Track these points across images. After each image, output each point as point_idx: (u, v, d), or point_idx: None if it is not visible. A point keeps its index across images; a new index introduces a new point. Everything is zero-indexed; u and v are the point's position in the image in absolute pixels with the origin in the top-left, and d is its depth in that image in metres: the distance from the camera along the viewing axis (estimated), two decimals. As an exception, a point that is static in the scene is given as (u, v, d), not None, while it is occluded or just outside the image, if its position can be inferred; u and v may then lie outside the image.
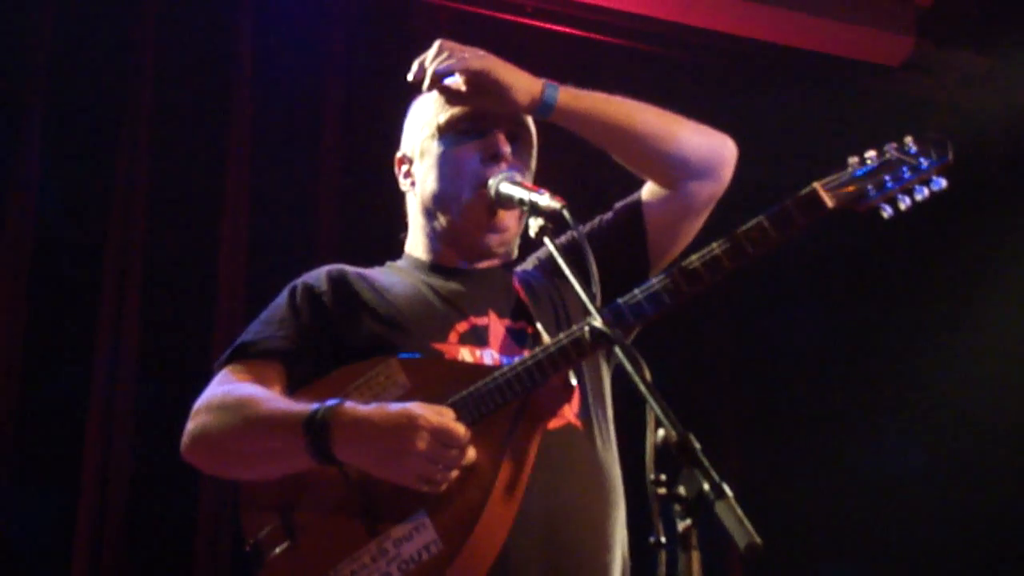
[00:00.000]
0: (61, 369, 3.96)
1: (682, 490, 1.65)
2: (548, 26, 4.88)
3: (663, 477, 1.68)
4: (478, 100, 2.44)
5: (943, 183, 2.29)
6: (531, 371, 2.19)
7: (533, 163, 2.55)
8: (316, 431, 2.14)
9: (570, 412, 2.34)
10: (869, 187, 2.27)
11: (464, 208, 2.44)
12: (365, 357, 2.30)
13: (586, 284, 2.05)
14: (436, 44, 2.46)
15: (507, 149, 2.45)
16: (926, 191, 2.28)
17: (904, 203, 2.27)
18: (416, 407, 2.13)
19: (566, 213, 2.16)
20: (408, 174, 2.57)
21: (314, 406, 2.17)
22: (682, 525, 1.63)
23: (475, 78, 2.41)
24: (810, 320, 5.14)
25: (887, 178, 2.28)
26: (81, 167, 4.12)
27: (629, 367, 1.88)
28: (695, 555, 1.63)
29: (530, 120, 2.55)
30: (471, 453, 2.14)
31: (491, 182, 2.38)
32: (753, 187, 5.01)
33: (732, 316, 5.19)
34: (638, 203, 2.54)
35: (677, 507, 1.65)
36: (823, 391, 5.08)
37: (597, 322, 2.02)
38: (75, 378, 3.93)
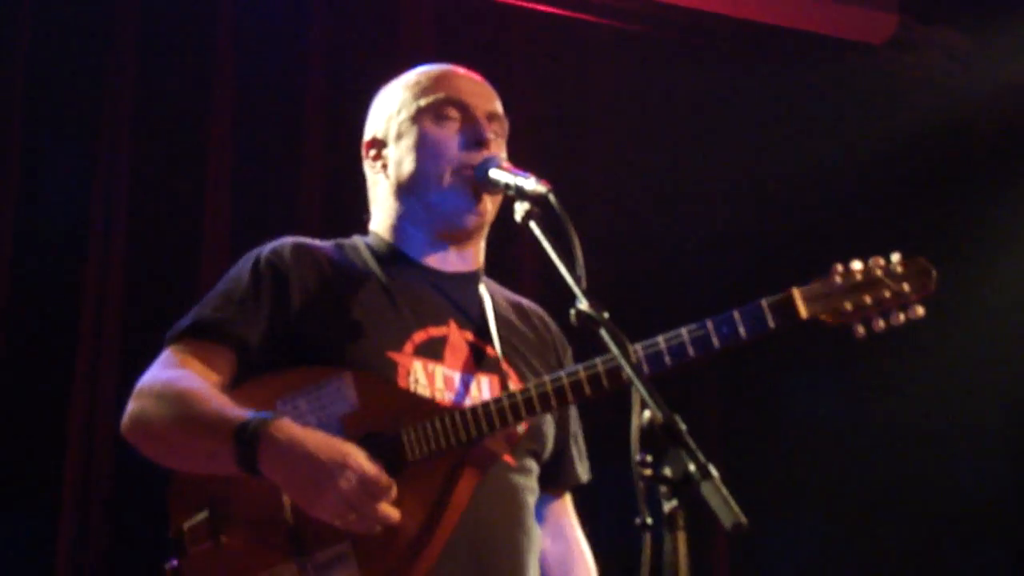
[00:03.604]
0: (39, 387, 3.90)
1: (668, 471, 1.66)
2: (534, 7, 4.87)
3: (649, 458, 1.69)
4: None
5: (920, 312, 2.25)
6: (489, 419, 2.19)
7: (505, 156, 2.51)
8: (245, 442, 2.11)
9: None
10: (847, 305, 2.22)
11: (446, 190, 2.42)
12: (316, 354, 2.28)
13: (571, 267, 2.05)
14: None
15: (490, 136, 2.44)
16: (902, 317, 2.24)
17: (877, 325, 2.24)
18: (353, 448, 2.11)
19: (551, 197, 2.15)
20: (379, 156, 2.54)
21: (248, 415, 2.14)
22: (668, 506, 1.65)
23: None
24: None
25: (867, 298, 2.23)
26: (61, 164, 4.07)
27: (615, 350, 1.90)
28: (681, 536, 1.64)
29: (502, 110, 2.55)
30: (394, 513, 2.11)
31: (477, 167, 2.37)
32: (737, 167, 5.07)
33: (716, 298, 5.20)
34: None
35: (663, 488, 1.66)
36: (807, 362, 5.08)
37: (583, 305, 2.01)
38: (54, 397, 3.88)
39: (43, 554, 3.78)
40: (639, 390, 1.77)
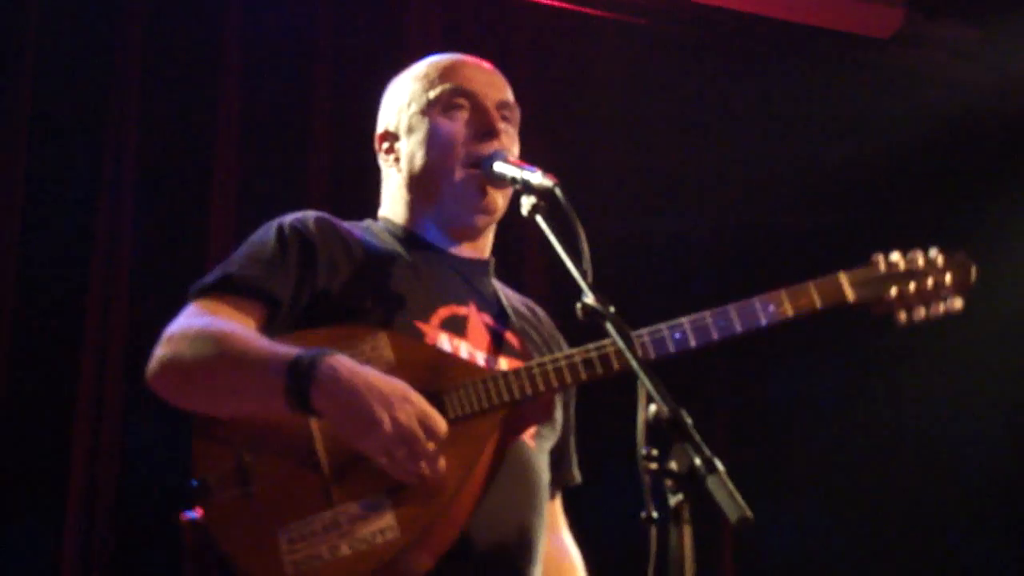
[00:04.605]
0: (45, 392, 3.89)
1: (673, 465, 1.66)
2: (540, 0, 4.87)
3: (654, 452, 1.69)
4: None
5: (959, 305, 2.30)
6: (532, 380, 2.19)
7: (517, 144, 2.53)
8: (300, 373, 2.06)
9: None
10: (892, 291, 2.28)
11: (455, 185, 2.42)
12: (345, 318, 2.26)
13: (577, 262, 2.04)
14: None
15: (501, 126, 2.45)
16: (942, 308, 2.30)
17: (919, 315, 2.29)
18: (411, 388, 2.10)
19: (558, 191, 2.15)
20: (391, 150, 2.54)
21: (301, 350, 2.09)
22: (673, 500, 1.65)
23: None
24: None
25: (911, 287, 2.29)
26: (65, 160, 4.06)
27: (621, 343, 1.90)
28: (687, 530, 1.64)
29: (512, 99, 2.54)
30: (441, 461, 2.09)
31: (483, 161, 2.37)
32: (742, 161, 5.06)
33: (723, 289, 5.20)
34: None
35: (668, 482, 1.66)
36: (813, 358, 5.08)
37: (589, 299, 2.00)
38: (60, 402, 3.87)
39: (48, 560, 3.77)
40: (645, 384, 1.77)
